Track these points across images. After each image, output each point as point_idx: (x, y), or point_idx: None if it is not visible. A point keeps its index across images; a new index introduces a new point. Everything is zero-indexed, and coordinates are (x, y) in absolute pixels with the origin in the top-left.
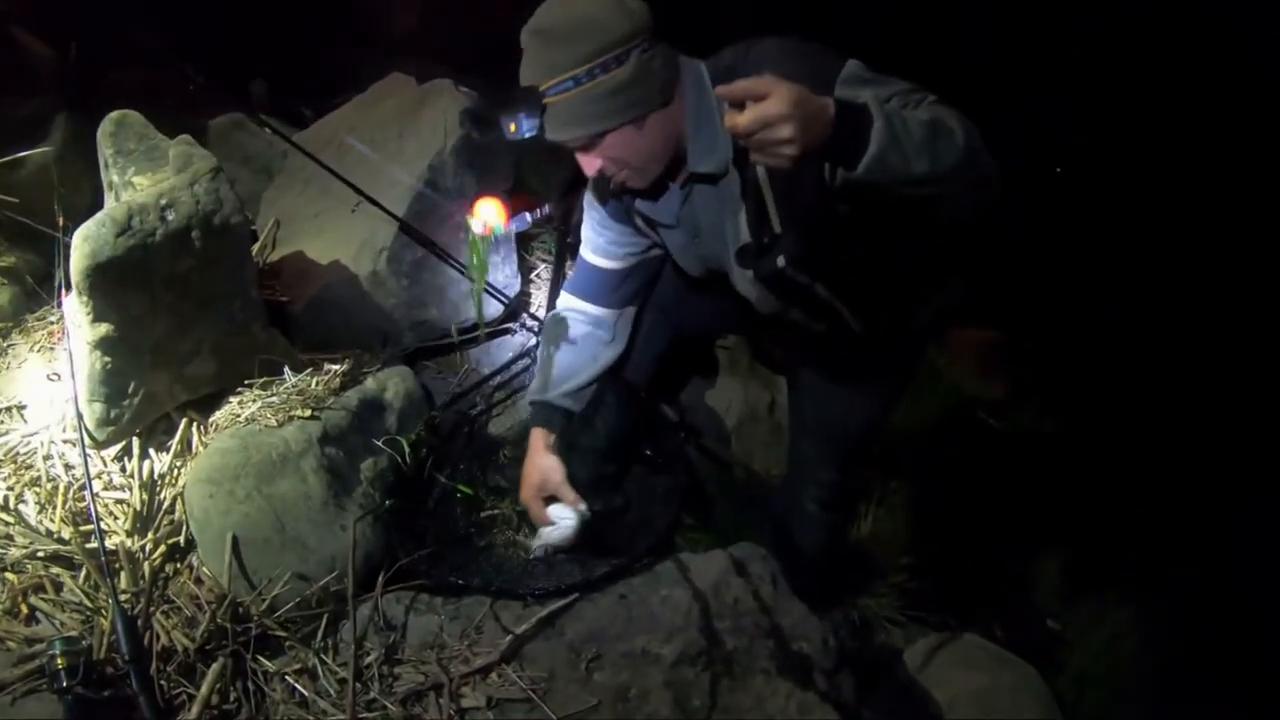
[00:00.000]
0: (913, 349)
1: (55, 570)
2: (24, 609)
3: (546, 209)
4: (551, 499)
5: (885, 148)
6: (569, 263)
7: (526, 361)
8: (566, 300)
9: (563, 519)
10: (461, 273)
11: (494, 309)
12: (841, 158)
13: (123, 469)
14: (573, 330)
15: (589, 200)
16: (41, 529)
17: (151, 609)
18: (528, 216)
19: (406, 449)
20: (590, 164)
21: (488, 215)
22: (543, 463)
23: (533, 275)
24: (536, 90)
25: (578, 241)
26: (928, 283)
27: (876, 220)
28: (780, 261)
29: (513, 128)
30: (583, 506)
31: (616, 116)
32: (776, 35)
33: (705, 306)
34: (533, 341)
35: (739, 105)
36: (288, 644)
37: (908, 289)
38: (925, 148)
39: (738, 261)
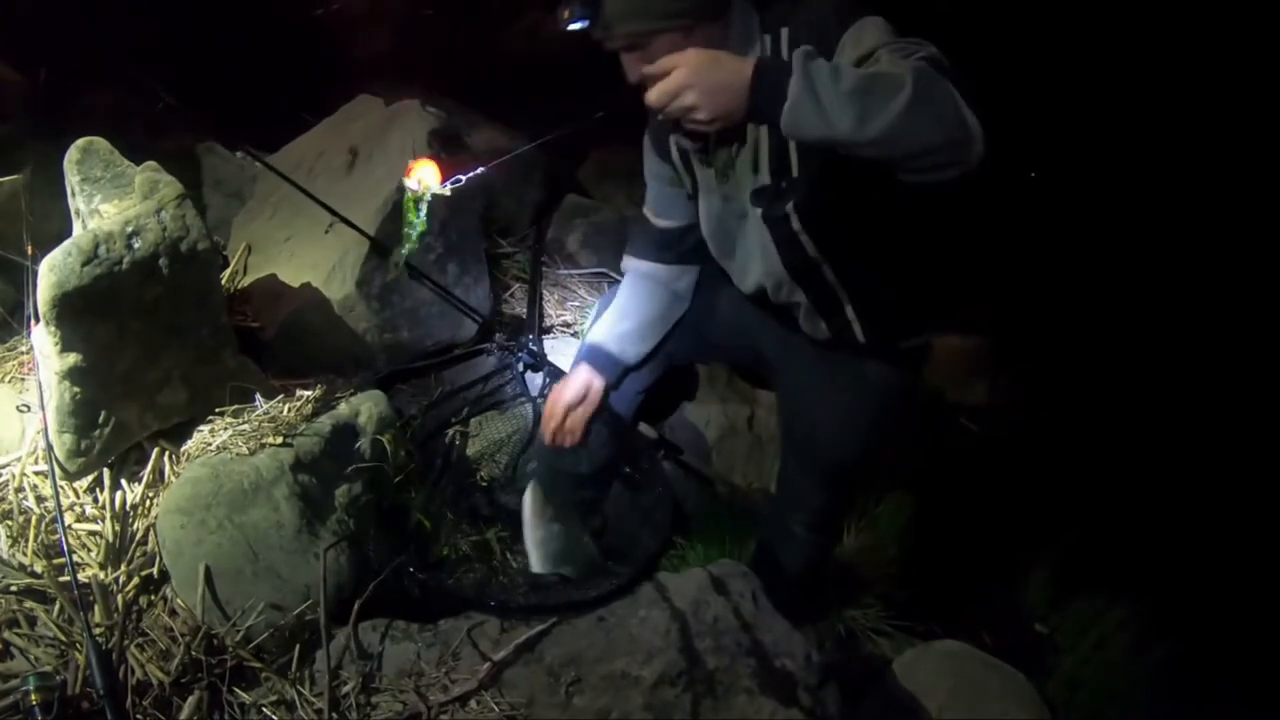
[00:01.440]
0: (907, 373)
1: (29, 604)
2: None
3: (479, 169)
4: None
5: (799, 99)
6: (543, 282)
7: (499, 381)
8: (627, 263)
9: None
10: (438, 292)
11: (469, 328)
12: (765, 115)
13: (95, 500)
14: (637, 286)
15: (646, 150)
16: (14, 563)
17: (126, 642)
18: (461, 178)
19: (383, 472)
20: (635, 68)
21: (422, 174)
22: (567, 384)
23: (506, 296)
24: None
25: (552, 260)
26: (925, 298)
27: (873, 186)
28: (789, 206)
29: (566, 14)
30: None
31: (670, 19)
32: None
33: (697, 338)
34: (507, 361)
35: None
36: (264, 675)
37: (908, 300)
38: (852, 99)
39: (753, 200)
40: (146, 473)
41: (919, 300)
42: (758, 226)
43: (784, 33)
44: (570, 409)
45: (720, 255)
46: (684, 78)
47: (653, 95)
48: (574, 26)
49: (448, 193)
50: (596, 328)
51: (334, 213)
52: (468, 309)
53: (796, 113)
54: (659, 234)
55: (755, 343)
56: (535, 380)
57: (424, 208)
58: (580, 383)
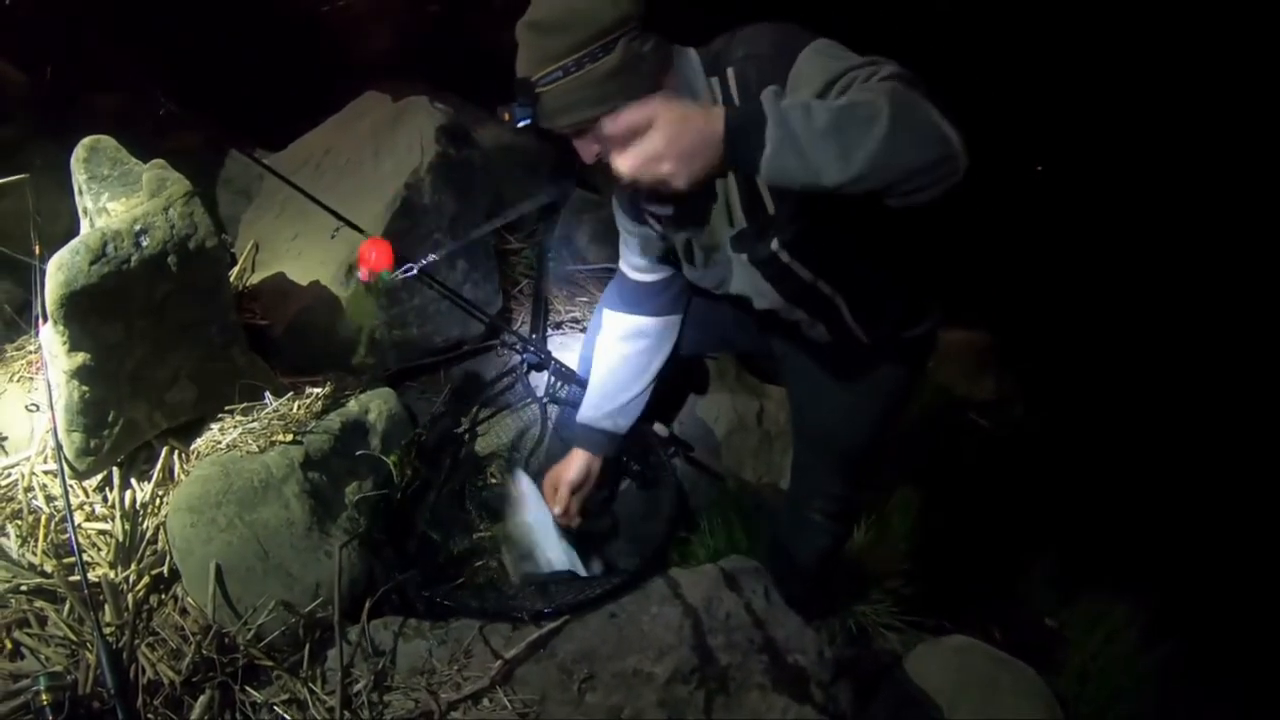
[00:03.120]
0: (913, 361)
1: (39, 604)
2: (8, 644)
3: (433, 257)
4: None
5: (779, 146)
6: (548, 278)
7: (505, 383)
8: (606, 317)
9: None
10: (443, 293)
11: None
12: (745, 165)
13: (104, 499)
14: (618, 345)
15: (618, 211)
16: (24, 562)
17: (136, 641)
18: (413, 267)
19: (394, 470)
20: (587, 150)
21: (374, 259)
22: (569, 465)
23: (514, 292)
24: (530, 81)
25: (556, 258)
26: (924, 290)
27: (858, 204)
28: (774, 244)
29: (507, 116)
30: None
31: (605, 103)
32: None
33: (707, 328)
34: (516, 359)
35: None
36: (275, 674)
37: (906, 295)
38: (830, 136)
39: (733, 247)
40: (156, 471)
41: (917, 290)
42: (745, 268)
43: (730, 73)
44: (574, 490)
45: (716, 293)
46: (656, 146)
47: (625, 167)
48: (520, 125)
49: (398, 279)
50: (589, 404)
51: (337, 215)
52: (474, 310)
53: (778, 160)
54: (641, 288)
55: (761, 336)
56: (540, 379)
57: (376, 295)
58: (581, 466)
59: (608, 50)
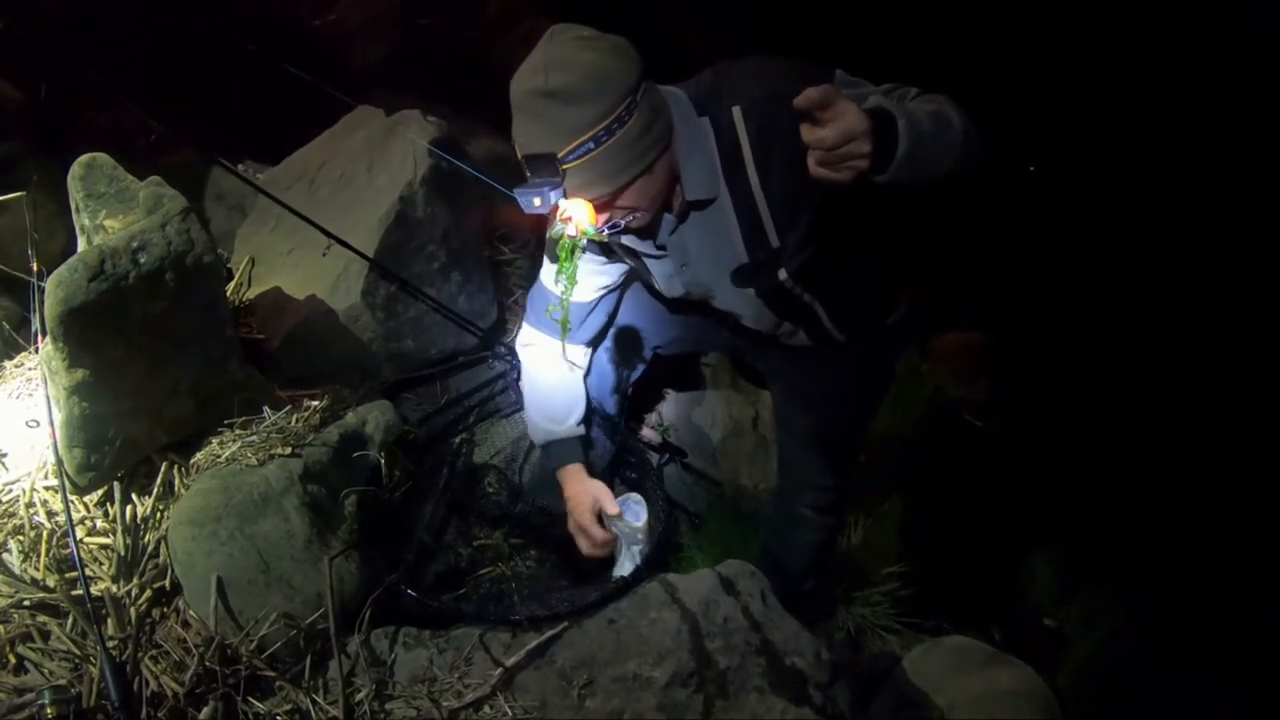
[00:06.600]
0: (890, 348)
1: (42, 619)
2: (12, 659)
3: (638, 214)
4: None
5: (912, 146)
6: None
7: (496, 389)
8: (535, 336)
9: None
10: (434, 306)
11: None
12: (881, 162)
13: (105, 514)
14: (551, 366)
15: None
16: (26, 577)
17: (139, 654)
18: (620, 222)
19: (382, 467)
20: (601, 216)
21: (577, 216)
22: (591, 486)
23: (509, 302)
24: (555, 156)
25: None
26: (900, 285)
27: (874, 217)
28: (782, 275)
29: (537, 202)
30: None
31: (635, 167)
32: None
33: (682, 326)
34: (513, 369)
35: (807, 117)
36: (278, 684)
37: (882, 291)
38: (937, 137)
39: (735, 282)
40: (156, 485)
41: (893, 283)
42: (741, 297)
43: (737, 112)
44: (596, 502)
45: (695, 314)
46: (865, 123)
47: (832, 134)
48: (552, 205)
49: (605, 238)
50: (548, 420)
51: (328, 233)
52: (466, 323)
53: (909, 158)
54: (571, 308)
55: (736, 338)
56: None
57: (579, 253)
58: (587, 478)
59: (631, 111)
